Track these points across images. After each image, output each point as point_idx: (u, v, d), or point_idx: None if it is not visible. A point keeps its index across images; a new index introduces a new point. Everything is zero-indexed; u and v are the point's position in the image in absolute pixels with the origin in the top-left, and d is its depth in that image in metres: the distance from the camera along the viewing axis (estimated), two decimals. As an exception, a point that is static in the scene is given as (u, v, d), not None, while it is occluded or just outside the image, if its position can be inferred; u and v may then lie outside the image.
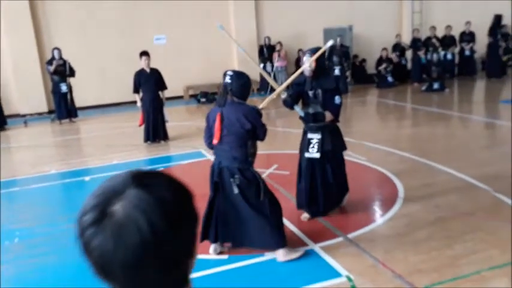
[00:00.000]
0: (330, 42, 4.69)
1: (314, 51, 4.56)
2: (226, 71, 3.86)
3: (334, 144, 4.67)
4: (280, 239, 3.93)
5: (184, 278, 0.88)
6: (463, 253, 3.90)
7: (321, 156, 4.60)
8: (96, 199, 0.83)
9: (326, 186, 4.70)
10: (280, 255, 3.94)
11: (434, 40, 14.82)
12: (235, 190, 3.80)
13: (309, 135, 4.64)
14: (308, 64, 4.51)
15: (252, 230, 3.87)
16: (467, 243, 4.05)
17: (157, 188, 0.83)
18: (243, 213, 3.85)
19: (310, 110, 4.63)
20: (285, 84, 4.55)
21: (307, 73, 4.57)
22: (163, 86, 8.70)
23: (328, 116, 4.56)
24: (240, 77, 3.79)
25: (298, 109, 4.64)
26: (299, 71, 4.61)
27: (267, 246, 3.96)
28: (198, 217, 0.89)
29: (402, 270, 3.68)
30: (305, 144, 4.67)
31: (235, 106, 3.74)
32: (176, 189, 0.86)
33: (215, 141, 3.84)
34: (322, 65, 4.66)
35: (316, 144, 4.57)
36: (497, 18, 14.63)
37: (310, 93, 4.60)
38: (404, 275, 3.60)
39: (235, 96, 3.76)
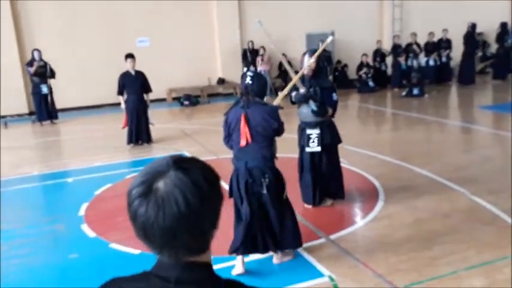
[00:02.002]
0: (330, 38, 5.18)
1: (314, 51, 4.93)
2: (245, 72, 3.88)
3: (332, 137, 5.05)
4: (300, 237, 4.01)
5: (207, 244, 1.08)
6: (440, 254, 4.02)
7: (321, 149, 4.98)
8: (143, 177, 1.02)
9: (325, 175, 5.10)
10: (278, 257, 4.00)
11: (415, 46, 15.10)
12: (265, 190, 3.78)
13: (308, 131, 4.98)
14: (309, 64, 4.82)
15: (278, 230, 3.86)
16: (444, 245, 4.18)
17: (193, 171, 1.02)
18: (271, 213, 3.83)
19: (312, 107, 4.89)
20: (290, 84, 4.71)
21: (307, 72, 4.91)
22: (148, 89, 8.72)
23: (329, 110, 4.94)
24: (260, 78, 3.85)
25: (312, 103, 4.90)
26: (302, 70, 4.84)
27: (290, 246, 3.97)
28: (223, 197, 1.08)
29: (383, 270, 3.79)
30: (305, 139, 5.00)
31: (259, 106, 3.76)
32: (207, 173, 1.05)
33: (243, 142, 3.76)
34: (321, 65, 4.99)
35: (316, 138, 4.95)
36: (473, 27, 15.02)
37: (310, 91, 4.87)
38: (384, 275, 3.71)
39: (256, 96, 3.79)
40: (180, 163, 1.02)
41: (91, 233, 4.84)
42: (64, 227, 5.09)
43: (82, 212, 5.45)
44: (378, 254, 4.09)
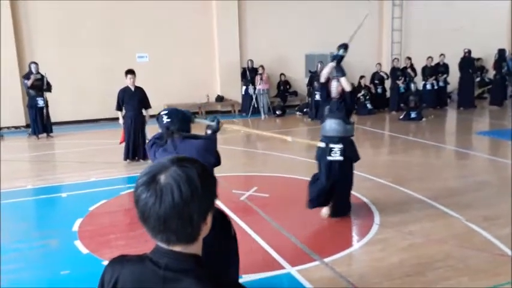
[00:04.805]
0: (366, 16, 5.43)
1: (339, 75, 5.37)
2: (159, 113, 3.42)
3: (353, 152, 5.45)
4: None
5: (196, 235, 1.22)
6: (434, 279, 4.01)
7: (342, 162, 5.32)
8: (150, 168, 1.21)
9: (346, 187, 5.50)
10: None
11: (409, 70, 15.22)
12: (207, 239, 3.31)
13: (331, 145, 5.32)
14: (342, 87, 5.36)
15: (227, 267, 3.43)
16: (438, 270, 4.17)
17: (191, 169, 1.19)
18: (216, 260, 3.26)
19: (333, 123, 5.35)
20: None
21: (334, 95, 5.39)
22: (147, 105, 8.77)
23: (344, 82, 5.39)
24: (177, 112, 3.38)
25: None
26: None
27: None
28: (216, 196, 1.25)
29: (376, 295, 3.77)
30: (326, 152, 5.32)
31: (190, 142, 3.27)
32: (203, 173, 1.21)
33: None
34: (348, 93, 5.43)
35: (339, 150, 5.31)
36: (469, 52, 15.25)
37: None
38: (377, 300, 3.69)
39: (181, 131, 3.30)
40: (182, 162, 1.20)
41: (84, 250, 4.81)
42: (57, 242, 5.06)
43: (76, 227, 5.42)
44: (371, 278, 4.07)
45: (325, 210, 5.57)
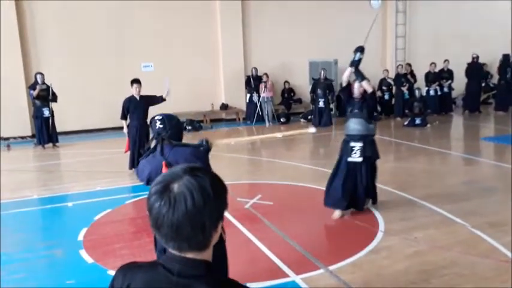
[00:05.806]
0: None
1: (361, 78, 5.63)
2: (153, 117, 3.38)
3: (372, 151, 5.71)
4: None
5: (207, 243, 1.24)
6: (439, 287, 3.98)
7: (361, 163, 5.64)
8: (163, 177, 1.24)
9: (364, 185, 5.72)
10: None
11: (409, 76, 15.21)
12: None
13: (352, 144, 5.64)
14: (367, 88, 5.68)
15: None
16: (443, 277, 4.14)
17: (203, 178, 1.22)
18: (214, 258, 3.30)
19: (355, 122, 5.69)
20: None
21: (356, 95, 5.70)
22: (161, 99, 8.94)
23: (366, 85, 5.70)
24: (170, 119, 3.34)
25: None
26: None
27: None
28: (226, 204, 1.27)
29: (381, 303, 3.76)
30: (348, 150, 5.66)
31: (179, 149, 3.24)
32: (215, 182, 1.24)
33: None
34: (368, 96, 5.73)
35: (358, 150, 5.61)
36: (477, 58, 15.27)
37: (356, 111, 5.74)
38: (382, 308, 3.67)
39: (172, 139, 3.27)
40: (194, 171, 1.23)
41: (89, 259, 4.82)
42: (62, 252, 5.07)
43: (81, 237, 5.44)
44: (376, 286, 4.05)
45: (337, 212, 5.73)
